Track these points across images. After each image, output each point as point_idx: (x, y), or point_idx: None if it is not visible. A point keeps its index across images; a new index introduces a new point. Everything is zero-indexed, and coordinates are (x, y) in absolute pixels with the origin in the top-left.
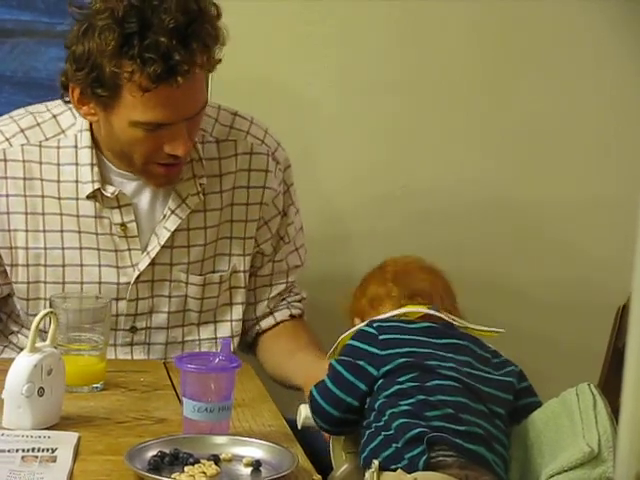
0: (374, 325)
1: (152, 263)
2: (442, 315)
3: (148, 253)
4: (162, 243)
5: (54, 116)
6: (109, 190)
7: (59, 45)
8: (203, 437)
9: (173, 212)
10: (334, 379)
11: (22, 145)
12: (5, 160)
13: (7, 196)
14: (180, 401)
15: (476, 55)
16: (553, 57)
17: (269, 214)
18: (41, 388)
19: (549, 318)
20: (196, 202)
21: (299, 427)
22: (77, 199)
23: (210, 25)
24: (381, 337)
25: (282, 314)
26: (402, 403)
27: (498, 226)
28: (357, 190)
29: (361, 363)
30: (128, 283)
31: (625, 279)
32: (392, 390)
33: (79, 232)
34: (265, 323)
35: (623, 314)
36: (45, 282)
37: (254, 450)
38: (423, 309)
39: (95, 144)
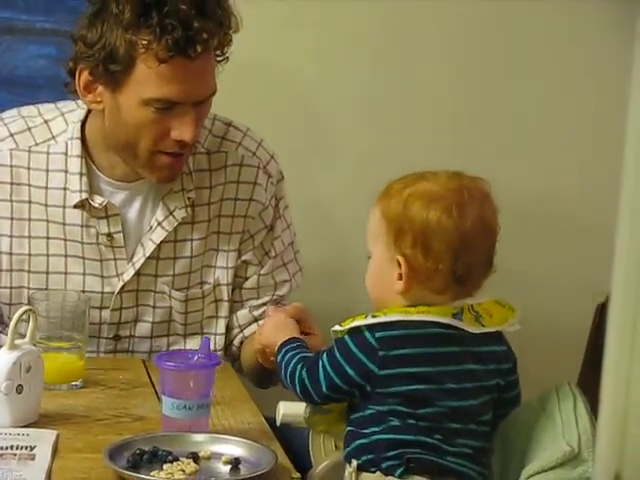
0: (376, 336)
1: (137, 273)
2: (462, 326)
3: (133, 264)
4: (147, 254)
5: (45, 121)
6: (97, 200)
7: (39, 42)
8: (182, 435)
9: (160, 224)
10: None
11: (11, 150)
12: None
13: None
14: (159, 399)
15: (470, 53)
16: (548, 55)
17: (255, 227)
18: (20, 385)
19: (530, 314)
20: (183, 215)
21: (278, 424)
22: (64, 207)
23: (226, 5)
24: (381, 353)
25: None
26: (391, 421)
27: None
28: (347, 184)
29: (351, 373)
30: (112, 292)
31: (604, 277)
32: (383, 408)
33: (65, 240)
34: (248, 330)
35: (602, 312)
36: (28, 288)
37: (233, 448)
38: (447, 319)
39: (86, 152)
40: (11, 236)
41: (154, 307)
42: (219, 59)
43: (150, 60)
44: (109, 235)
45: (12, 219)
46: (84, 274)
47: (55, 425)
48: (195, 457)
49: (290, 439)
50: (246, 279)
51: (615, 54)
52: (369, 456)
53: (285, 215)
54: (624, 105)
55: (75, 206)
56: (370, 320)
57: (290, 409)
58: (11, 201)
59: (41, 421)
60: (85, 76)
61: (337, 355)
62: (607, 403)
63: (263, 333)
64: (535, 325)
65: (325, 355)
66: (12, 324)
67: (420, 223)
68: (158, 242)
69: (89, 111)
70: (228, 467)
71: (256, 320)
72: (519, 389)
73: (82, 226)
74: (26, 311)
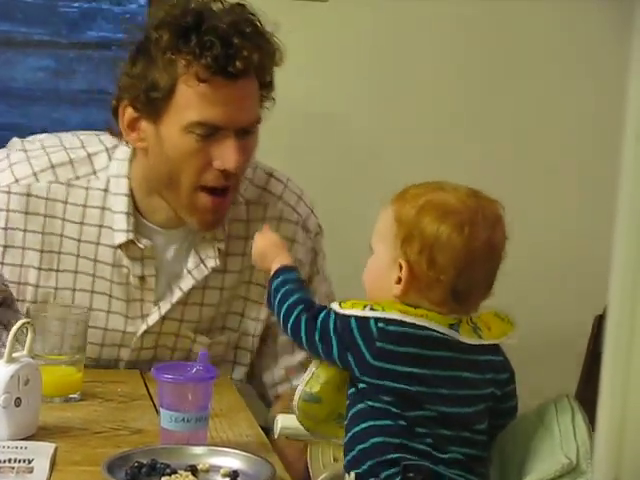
0: (378, 325)
1: (162, 317)
2: (458, 337)
3: (159, 308)
4: (174, 301)
5: (89, 155)
6: (142, 242)
7: (37, 55)
8: (180, 447)
9: (190, 272)
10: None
11: (50, 182)
12: (28, 195)
13: (25, 231)
14: (157, 411)
15: (469, 54)
16: (548, 55)
17: None
18: (18, 398)
19: (528, 325)
20: (213, 265)
21: (275, 437)
22: (97, 244)
23: (266, 32)
24: (378, 344)
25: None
26: (383, 420)
27: None
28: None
29: (347, 355)
30: (134, 333)
31: (603, 288)
32: (375, 403)
33: (93, 276)
34: (282, 388)
35: (600, 323)
36: (69, 306)
37: (231, 460)
38: (443, 328)
39: (131, 193)
40: (39, 268)
41: (174, 349)
42: (264, 93)
43: (191, 80)
44: (142, 278)
45: (42, 251)
46: (108, 312)
47: (53, 438)
48: (193, 470)
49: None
50: (281, 333)
51: (614, 54)
52: (369, 463)
53: (322, 268)
54: (623, 105)
55: (119, 246)
56: (369, 312)
57: (288, 422)
58: (43, 233)
59: (39, 434)
60: (129, 113)
61: (339, 330)
62: (604, 413)
63: (256, 251)
64: (534, 336)
65: (330, 320)
66: (10, 337)
67: (430, 234)
68: (186, 290)
69: (134, 152)
70: None
71: (291, 381)
72: (516, 400)
73: (113, 265)
74: (24, 324)
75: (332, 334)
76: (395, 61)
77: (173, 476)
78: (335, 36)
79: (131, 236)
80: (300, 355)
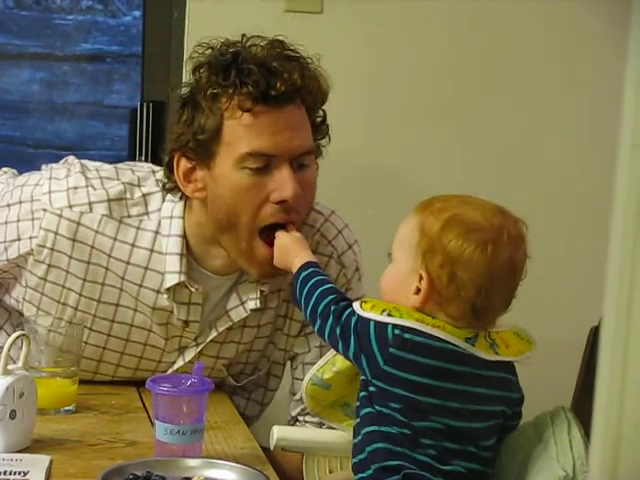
0: (395, 332)
1: (199, 353)
2: (472, 351)
3: (197, 345)
4: (209, 339)
5: (144, 195)
6: (194, 286)
7: (31, 67)
8: (175, 460)
9: (227, 312)
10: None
11: (103, 215)
12: (79, 224)
13: (70, 257)
14: (152, 423)
15: (464, 60)
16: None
17: None
18: (13, 411)
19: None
20: (253, 307)
21: (272, 448)
22: (140, 285)
23: (308, 61)
24: (391, 350)
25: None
26: (388, 427)
27: None
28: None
29: (362, 356)
30: (168, 363)
31: (598, 300)
32: (382, 409)
33: (135, 310)
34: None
35: (596, 334)
36: (86, 343)
37: (227, 473)
38: (459, 341)
39: (184, 236)
40: (80, 295)
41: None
42: (316, 125)
43: (235, 112)
44: (186, 322)
45: (85, 280)
46: (145, 344)
47: (48, 450)
48: None
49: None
50: (308, 351)
51: (612, 54)
52: (373, 467)
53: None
54: (621, 105)
55: (168, 288)
56: (386, 318)
57: (284, 433)
58: (89, 263)
59: (34, 446)
60: (183, 164)
61: (358, 330)
62: (599, 424)
63: (279, 246)
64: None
65: (353, 319)
66: (5, 350)
67: (453, 249)
68: (221, 330)
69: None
70: None
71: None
72: (520, 421)
73: (154, 308)
74: (19, 336)
75: (352, 333)
76: (390, 71)
77: None
78: (330, 47)
79: (184, 278)
80: None
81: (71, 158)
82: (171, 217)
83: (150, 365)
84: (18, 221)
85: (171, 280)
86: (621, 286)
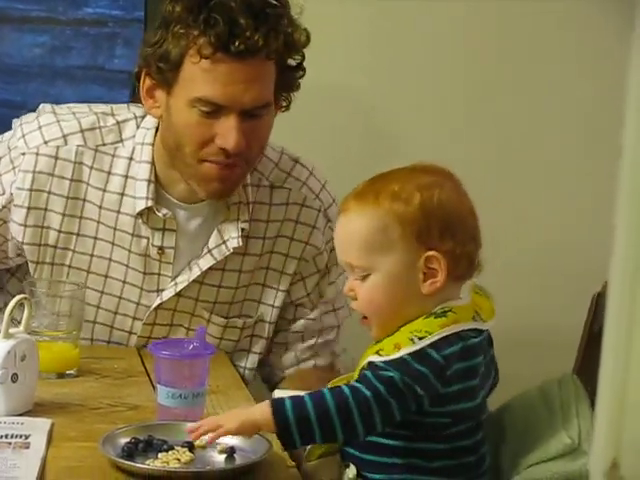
0: (442, 353)
1: (177, 294)
2: (483, 327)
3: (176, 284)
4: (192, 279)
5: (117, 123)
6: (162, 211)
7: (34, 31)
8: (177, 424)
9: (210, 251)
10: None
11: (78, 146)
12: (56, 158)
13: (49, 193)
14: (154, 388)
15: (466, 57)
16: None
17: (307, 271)
18: (15, 374)
19: (525, 306)
20: (235, 245)
21: None
22: (118, 212)
23: (288, 20)
24: (448, 372)
25: (307, 364)
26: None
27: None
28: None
29: (424, 397)
30: (148, 306)
31: (601, 266)
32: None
33: (112, 244)
34: (288, 371)
35: (599, 301)
36: (65, 282)
37: (228, 437)
38: (472, 324)
39: (153, 162)
40: (59, 231)
41: (188, 329)
42: (284, 77)
43: (195, 55)
44: (161, 248)
45: (64, 215)
46: (124, 282)
47: (50, 414)
48: (190, 446)
49: None
50: (293, 321)
51: (614, 54)
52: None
53: (333, 268)
54: (622, 105)
55: (139, 213)
56: (425, 342)
57: (285, 396)
58: (67, 198)
59: (36, 410)
60: (147, 81)
61: (405, 379)
62: (605, 392)
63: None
64: (529, 320)
65: (383, 385)
66: (7, 313)
67: (440, 211)
68: (204, 269)
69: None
70: (223, 456)
71: (299, 362)
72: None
73: (133, 235)
74: (21, 299)
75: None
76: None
77: (170, 452)
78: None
79: (150, 203)
80: (311, 340)
81: (43, 104)
82: (142, 144)
83: (129, 308)
84: (0, 176)
85: (139, 205)
86: (626, 254)
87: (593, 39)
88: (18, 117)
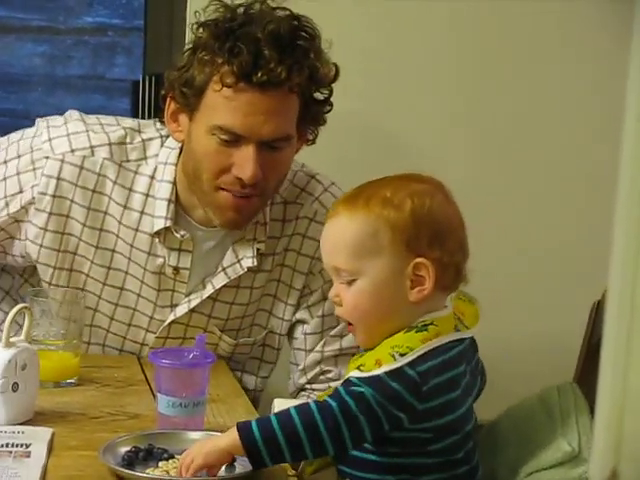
0: (417, 369)
1: (191, 310)
2: (464, 336)
3: (189, 301)
4: (205, 296)
5: (143, 140)
6: (180, 232)
7: (34, 41)
8: (177, 432)
9: (224, 269)
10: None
11: (104, 159)
12: (81, 167)
13: (72, 201)
14: (154, 396)
15: (464, 56)
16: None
17: (316, 284)
18: (15, 383)
19: (524, 313)
20: (249, 265)
21: None
22: (136, 230)
23: (316, 54)
24: (425, 388)
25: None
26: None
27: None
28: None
29: (401, 416)
30: (161, 321)
31: (600, 275)
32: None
33: (129, 259)
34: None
35: (598, 310)
36: (83, 289)
37: None
38: (451, 335)
39: (175, 182)
40: (80, 239)
41: None
42: (308, 111)
43: (218, 84)
44: (176, 269)
45: (84, 225)
46: (139, 295)
47: (50, 423)
48: None
49: None
50: (304, 335)
51: (614, 54)
52: None
53: None
54: (621, 105)
55: (157, 232)
56: (405, 359)
57: (285, 406)
58: (89, 208)
59: (36, 419)
60: (172, 105)
61: (377, 397)
62: (604, 401)
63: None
64: (529, 328)
65: (353, 401)
66: (7, 321)
67: (429, 218)
68: (218, 287)
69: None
70: (224, 465)
71: (319, 363)
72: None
73: (149, 254)
74: (21, 309)
75: (371, 409)
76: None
77: (170, 461)
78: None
79: (169, 223)
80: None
81: (71, 111)
82: (165, 163)
83: (143, 320)
84: (18, 174)
85: (158, 224)
86: (625, 262)
87: (593, 39)
88: (19, 126)
